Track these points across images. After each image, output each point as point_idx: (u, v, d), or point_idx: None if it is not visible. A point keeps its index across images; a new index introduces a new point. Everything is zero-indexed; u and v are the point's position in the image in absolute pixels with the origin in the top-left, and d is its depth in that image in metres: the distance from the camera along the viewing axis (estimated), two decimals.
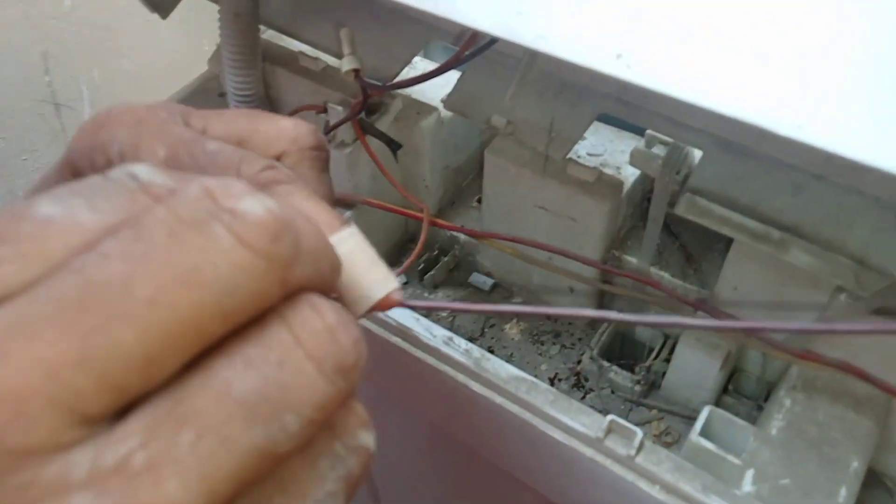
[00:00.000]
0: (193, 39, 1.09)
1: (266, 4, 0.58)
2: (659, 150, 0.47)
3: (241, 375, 0.15)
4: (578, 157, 0.52)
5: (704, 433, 0.42)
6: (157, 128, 0.22)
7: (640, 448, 0.40)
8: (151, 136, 0.22)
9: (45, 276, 0.14)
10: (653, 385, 0.52)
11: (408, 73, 0.60)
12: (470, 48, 0.47)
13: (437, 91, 0.57)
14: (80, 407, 0.13)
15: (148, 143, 0.22)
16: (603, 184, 0.48)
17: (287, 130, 0.24)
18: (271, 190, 0.21)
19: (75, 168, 0.23)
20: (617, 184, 0.48)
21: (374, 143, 0.53)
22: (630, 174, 0.51)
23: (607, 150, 0.52)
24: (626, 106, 0.47)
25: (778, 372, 0.48)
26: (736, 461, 0.40)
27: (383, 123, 0.54)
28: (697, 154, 0.46)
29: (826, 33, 0.24)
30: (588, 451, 0.41)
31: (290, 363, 0.15)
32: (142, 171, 0.17)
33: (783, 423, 0.42)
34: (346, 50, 0.48)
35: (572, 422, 0.41)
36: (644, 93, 0.26)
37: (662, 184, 0.47)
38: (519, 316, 0.57)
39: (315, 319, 0.16)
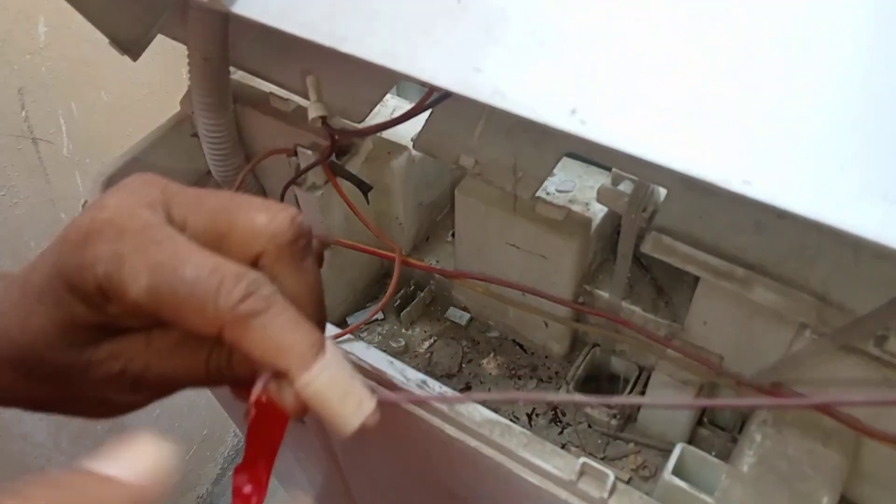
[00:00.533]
0: (171, 71, 1.10)
1: (236, 47, 0.58)
2: (625, 188, 0.48)
3: None
4: (548, 193, 0.53)
5: (677, 471, 0.42)
6: (139, 243, 0.24)
7: (612, 490, 0.40)
8: (134, 255, 0.24)
9: None
10: (629, 418, 0.52)
11: (379, 110, 0.60)
12: (436, 93, 0.48)
13: (408, 129, 0.58)
14: None
15: (130, 266, 0.24)
16: (572, 221, 0.49)
17: (263, 228, 0.25)
18: (247, 325, 0.23)
19: (70, 283, 0.24)
20: (585, 221, 0.49)
21: (346, 183, 0.54)
22: (599, 209, 0.52)
23: (576, 186, 0.53)
24: (590, 145, 0.48)
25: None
26: (709, 500, 0.41)
27: (354, 164, 0.54)
28: (663, 191, 0.47)
29: (774, 94, 0.24)
30: (562, 494, 0.42)
31: None
32: None
33: (754, 459, 0.42)
34: (312, 97, 0.49)
35: (546, 464, 0.41)
36: (598, 147, 0.26)
37: (629, 221, 0.47)
38: (497, 352, 0.58)
39: None
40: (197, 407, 1.46)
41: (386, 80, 0.54)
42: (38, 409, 0.29)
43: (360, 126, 0.54)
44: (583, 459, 0.40)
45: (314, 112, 0.48)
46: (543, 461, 0.41)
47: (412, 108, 0.48)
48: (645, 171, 0.46)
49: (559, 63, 0.28)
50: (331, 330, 0.49)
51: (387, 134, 0.57)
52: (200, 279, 0.23)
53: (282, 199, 0.57)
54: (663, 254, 0.44)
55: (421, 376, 0.45)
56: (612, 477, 0.40)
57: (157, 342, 0.26)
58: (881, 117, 0.23)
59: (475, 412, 0.43)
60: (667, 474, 0.42)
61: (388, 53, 0.31)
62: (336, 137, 0.50)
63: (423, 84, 0.31)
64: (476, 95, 0.29)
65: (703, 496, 0.41)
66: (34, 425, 1.13)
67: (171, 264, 0.23)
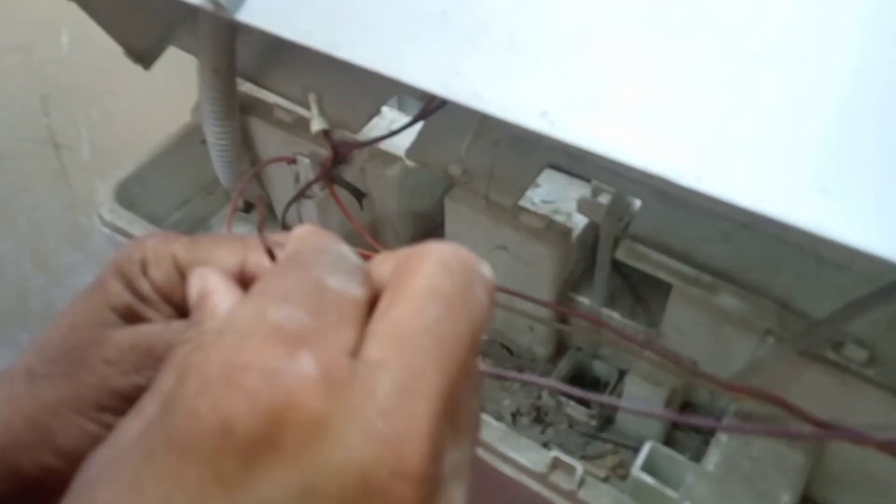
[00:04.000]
0: (188, 79, 1.13)
1: (243, 59, 0.61)
2: (604, 199, 0.50)
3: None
4: (532, 203, 0.55)
5: (646, 468, 0.44)
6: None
7: (581, 483, 0.42)
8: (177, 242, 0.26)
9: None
10: (608, 420, 0.55)
11: (377, 122, 0.63)
12: (432, 106, 0.50)
13: (403, 140, 0.61)
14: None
15: (175, 243, 0.26)
16: (553, 231, 0.51)
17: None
18: None
19: (117, 264, 0.26)
20: (566, 231, 0.51)
21: (343, 191, 0.56)
22: (581, 220, 0.54)
23: (560, 198, 0.55)
24: (571, 158, 0.50)
25: (726, 407, 0.51)
26: (674, 495, 0.43)
27: (350, 173, 0.57)
28: (638, 203, 0.49)
29: (726, 99, 0.27)
30: (535, 486, 0.44)
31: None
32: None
33: (719, 459, 0.44)
34: (314, 112, 0.52)
35: (520, 457, 0.44)
36: (567, 147, 0.29)
37: (606, 230, 0.49)
38: (484, 354, 0.60)
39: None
40: None
41: (382, 92, 0.57)
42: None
43: (360, 138, 0.56)
44: (553, 453, 0.42)
45: (317, 126, 0.51)
46: (518, 454, 0.44)
47: (408, 122, 0.51)
48: (621, 183, 0.49)
49: (533, 69, 0.30)
50: None
51: (382, 144, 0.60)
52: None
53: (287, 209, 0.60)
54: (636, 260, 0.46)
55: None
56: (580, 470, 0.42)
57: (174, 325, 0.26)
58: (823, 118, 0.25)
59: None
60: (635, 470, 0.44)
61: (377, 58, 0.33)
62: (337, 149, 0.53)
63: (409, 89, 0.34)
64: (456, 98, 0.32)
65: (669, 492, 0.43)
66: None
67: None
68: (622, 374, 0.56)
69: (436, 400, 0.17)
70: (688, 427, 0.53)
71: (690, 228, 0.46)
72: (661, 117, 0.28)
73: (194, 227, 0.73)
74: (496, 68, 0.31)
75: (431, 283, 0.19)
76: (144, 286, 0.26)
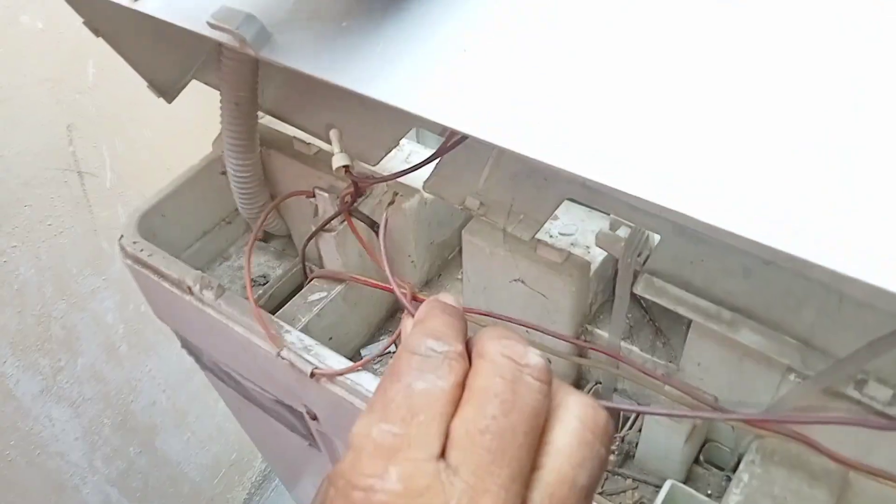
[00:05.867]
0: (210, 110, 1.15)
1: (264, 92, 0.62)
2: (622, 233, 0.50)
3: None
4: (551, 236, 0.55)
5: None
6: None
7: None
8: None
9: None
10: (627, 455, 0.54)
11: (395, 155, 0.64)
12: (453, 140, 0.51)
13: (421, 174, 0.61)
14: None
15: None
16: (571, 264, 0.51)
17: None
18: None
19: None
20: (584, 264, 0.51)
21: (359, 223, 0.57)
22: (599, 252, 0.54)
23: (578, 230, 0.55)
24: (589, 191, 0.50)
25: (746, 442, 0.50)
26: None
27: (368, 206, 0.58)
28: (656, 237, 0.49)
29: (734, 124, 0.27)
30: None
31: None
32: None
33: (741, 498, 0.44)
34: (336, 148, 0.52)
35: None
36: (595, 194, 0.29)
37: (625, 264, 0.49)
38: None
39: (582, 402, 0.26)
40: (226, 432, 1.49)
41: (401, 125, 0.58)
42: None
43: (380, 172, 0.57)
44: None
45: (338, 162, 0.51)
46: None
47: (429, 157, 0.51)
48: (639, 217, 0.49)
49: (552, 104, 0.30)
50: (345, 362, 0.51)
51: (402, 178, 0.61)
52: None
53: (307, 244, 0.61)
54: (654, 295, 0.46)
55: None
56: None
57: None
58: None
59: None
60: None
61: (398, 94, 0.34)
62: (358, 184, 0.53)
63: (429, 123, 0.34)
64: (477, 133, 0.32)
65: None
66: (70, 445, 1.18)
67: None
68: None
69: (501, 492, 0.22)
70: (710, 463, 0.52)
71: (711, 263, 0.46)
72: (656, 140, 0.28)
73: (214, 256, 0.73)
74: (504, 103, 0.31)
75: (486, 383, 0.24)
76: None
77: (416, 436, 0.23)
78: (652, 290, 0.46)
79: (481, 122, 0.31)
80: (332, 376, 0.51)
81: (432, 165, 0.57)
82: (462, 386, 0.24)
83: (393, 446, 0.22)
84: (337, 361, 0.52)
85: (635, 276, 0.50)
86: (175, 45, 0.61)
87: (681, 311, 0.45)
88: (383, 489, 0.21)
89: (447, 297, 0.30)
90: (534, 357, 0.25)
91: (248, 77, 0.58)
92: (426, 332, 0.26)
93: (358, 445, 0.23)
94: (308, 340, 0.53)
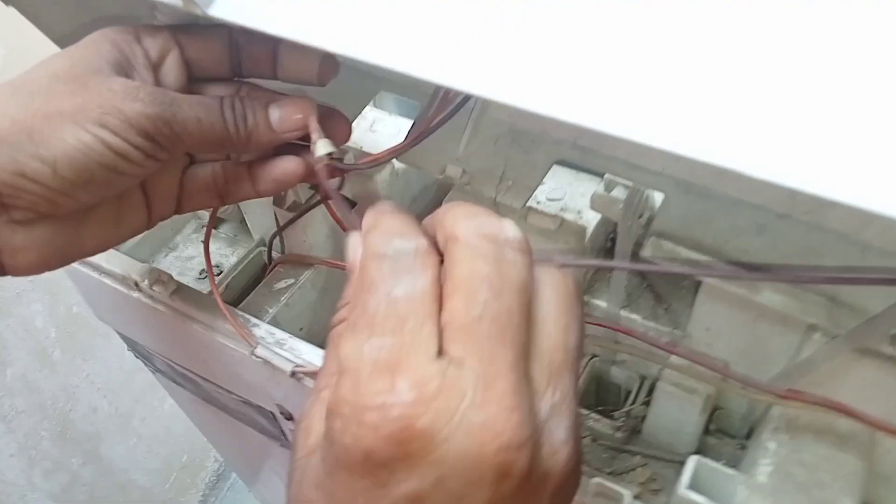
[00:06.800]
0: None
1: None
2: (619, 194, 0.46)
3: None
4: (538, 202, 0.51)
5: (693, 486, 0.41)
6: None
7: None
8: None
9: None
10: (633, 430, 0.51)
11: (358, 124, 0.58)
12: (442, 112, 0.45)
13: (387, 142, 0.56)
14: None
15: None
16: (565, 231, 0.47)
17: None
18: None
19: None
20: (580, 230, 0.47)
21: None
22: (592, 217, 0.50)
23: (567, 194, 0.51)
24: (582, 151, 0.46)
25: (759, 408, 0.47)
26: None
27: (336, 182, 0.52)
28: (658, 196, 0.45)
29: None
30: None
31: None
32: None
33: (771, 468, 0.41)
34: (314, 134, 0.44)
35: None
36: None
37: (625, 227, 0.45)
38: None
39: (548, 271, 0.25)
40: (174, 433, 1.42)
41: (365, 93, 0.52)
42: None
43: (371, 155, 0.50)
44: (596, 479, 0.38)
45: (323, 149, 0.43)
46: None
47: (420, 132, 0.46)
48: (639, 175, 0.45)
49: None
50: (316, 352, 0.46)
51: (367, 148, 0.55)
52: None
53: (281, 231, 0.54)
54: (664, 259, 0.43)
55: None
56: (627, 497, 0.38)
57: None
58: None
59: None
60: (681, 489, 0.40)
61: (367, 50, 0.28)
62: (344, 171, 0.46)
63: (403, 84, 0.29)
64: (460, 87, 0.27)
65: None
66: (5, 462, 1.09)
67: None
68: (643, 380, 0.52)
69: (511, 373, 0.21)
70: (721, 432, 0.50)
71: (721, 221, 0.42)
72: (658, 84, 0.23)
73: (158, 247, 0.66)
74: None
75: (469, 270, 0.23)
76: (137, 51, 0.34)
77: (412, 342, 0.22)
78: (661, 254, 0.43)
79: (462, 73, 0.26)
80: (314, 373, 0.45)
81: (402, 131, 0.51)
82: (439, 279, 0.23)
83: (391, 359, 0.21)
84: (315, 355, 0.47)
85: (636, 239, 0.46)
86: (96, 11, 0.54)
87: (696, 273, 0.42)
88: (397, 402, 0.21)
89: (385, 203, 0.28)
90: (511, 229, 0.24)
91: None
92: (388, 232, 0.24)
93: (354, 368, 0.22)
94: (280, 334, 0.48)
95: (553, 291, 0.24)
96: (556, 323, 0.24)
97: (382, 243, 0.24)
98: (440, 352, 0.22)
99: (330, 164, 0.36)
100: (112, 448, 1.28)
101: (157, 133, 0.32)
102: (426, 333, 0.22)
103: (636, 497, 0.46)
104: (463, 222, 0.24)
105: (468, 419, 0.20)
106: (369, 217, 0.26)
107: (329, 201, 0.48)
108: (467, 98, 0.40)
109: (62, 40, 0.53)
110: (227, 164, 0.40)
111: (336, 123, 0.38)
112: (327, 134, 0.37)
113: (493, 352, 0.21)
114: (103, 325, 0.64)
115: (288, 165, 0.39)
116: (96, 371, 1.21)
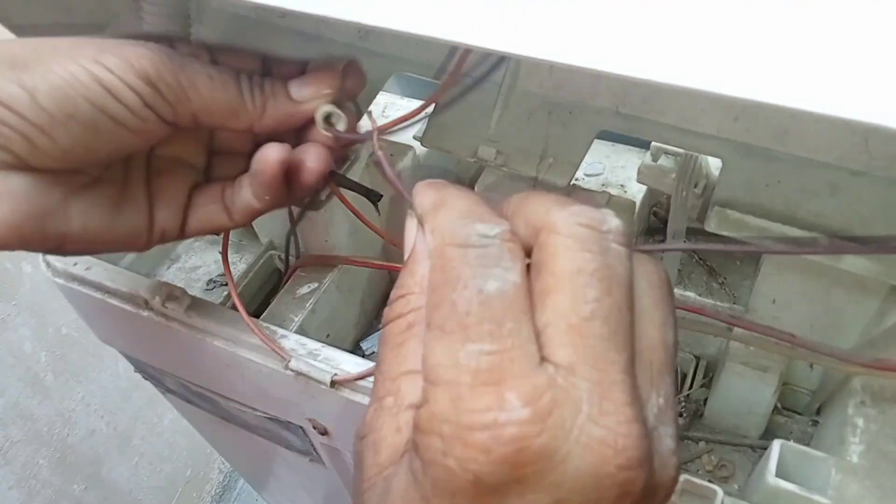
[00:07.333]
0: None
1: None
2: (668, 163, 0.43)
3: None
4: (577, 179, 0.47)
5: (781, 473, 0.37)
6: None
7: None
8: None
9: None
10: (695, 414, 0.48)
11: (370, 109, 0.54)
12: (458, 76, 0.41)
13: (406, 129, 0.52)
14: None
15: None
16: (614, 207, 0.43)
17: None
18: None
19: None
20: (629, 205, 0.44)
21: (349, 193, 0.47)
22: (637, 191, 0.47)
23: (606, 168, 0.48)
24: (625, 119, 0.42)
25: (831, 382, 0.44)
26: (824, 501, 0.36)
27: (355, 173, 0.48)
28: (713, 163, 0.42)
29: None
30: None
31: None
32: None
33: (862, 447, 0.38)
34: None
35: None
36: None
37: (679, 198, 0.42)
38: None
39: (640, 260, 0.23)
40: (176, 448, 1.37)
41: (376, 79, 0.48)
42: None
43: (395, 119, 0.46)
44: (685, 477, 0.35)
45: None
46: None
47: (432, 96, 0.42)
48: (691, 141, 0.41)
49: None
50: (362, 362, 0.43)
51: (388, 134, 0.51)
52: None
53: (294, 227, 0.50)
54: (732, 230, 0.39)
55: None
56: (720, 495, 0.35)
57: None
58: None
59: None
60: (770, 477, 0.37)
61: (383, 16, 0.24)
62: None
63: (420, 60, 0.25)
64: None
65: (817, 497, 0.36)
66: (4, 496, 1.04)
67: None
68: (699, 360, 0.49)
69: (625, 380, 0.19)
70: (789, 410, 0.47)
71: (789, 184, 0.39)
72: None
73: (160, 259, 0.62)
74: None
75: (575, 265, 0.20)
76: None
77: (513, 347, 0.19)
78: (728, 225, 0.39)
79: (490, 32, 0.22)
80: (353, 381, 0.42)
81: (423, 115, 0.47)
82: (527, 272, 0.21)
83: (494, 368, 0.19)
84: (353, 363, 0.43)
85: (693, 210, 0.43)
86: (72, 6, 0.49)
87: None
88: (510, 420, 0.18)
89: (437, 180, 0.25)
90: (612, 218, 0.21)
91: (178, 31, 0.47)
92: (466, 216, 0.21)
93: (449, 379, 0.19)
94: (311, 344, 0.44)
95: (647, 284, 0.22)
96: (652, 319, 0.22)
97: (462, 228, 0.21)
98: (542, 358, 0.19)
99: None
100: (114, 469, 1.24)
101: (159, 80, 0.29)
102: (525, 335, 0.19)
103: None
104: (559, 211, 0.21)
105: (587, 434, 0.18)
106: (429, 194, 0.23)
107: (339, 193, 0.44)
108: (497, 63, 0.36)
109: (22, 32, 0.48)
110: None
111: (352, 75, 0.36)
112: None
113: (606, 356, 0.19)
114: (95, 345, 0.60)
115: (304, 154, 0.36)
116: (92, 392, 1.16)
